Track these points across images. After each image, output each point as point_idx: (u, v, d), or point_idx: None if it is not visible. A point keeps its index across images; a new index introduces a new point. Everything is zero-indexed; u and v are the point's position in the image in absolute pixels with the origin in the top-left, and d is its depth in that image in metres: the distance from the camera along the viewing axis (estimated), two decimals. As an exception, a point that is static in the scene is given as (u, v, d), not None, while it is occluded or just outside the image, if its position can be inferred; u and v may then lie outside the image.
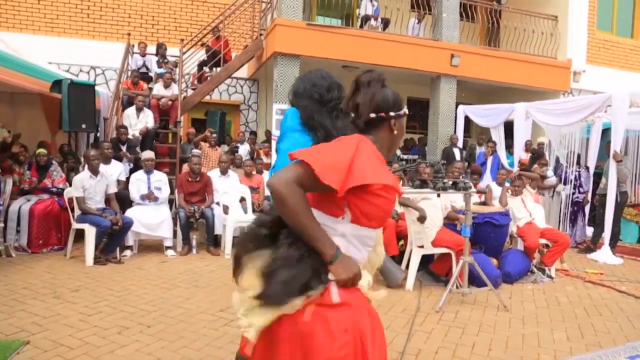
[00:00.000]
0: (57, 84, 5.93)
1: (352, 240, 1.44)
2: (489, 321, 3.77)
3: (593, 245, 6.68)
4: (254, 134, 10.39)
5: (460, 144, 9.63)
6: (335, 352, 1.29)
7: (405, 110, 1.57)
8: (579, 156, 7.69)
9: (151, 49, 9.64)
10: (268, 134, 9.91)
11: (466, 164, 8.74)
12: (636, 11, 11.97)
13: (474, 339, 3.37)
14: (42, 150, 5.75)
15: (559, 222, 7.43)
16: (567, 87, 10.68)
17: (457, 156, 9.03)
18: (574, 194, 7.40)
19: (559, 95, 10.51)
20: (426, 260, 4.87)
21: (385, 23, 10.07)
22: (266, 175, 7.61)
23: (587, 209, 7.48)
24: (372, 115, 1.51)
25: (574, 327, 3.72)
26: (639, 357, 3.17)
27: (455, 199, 5.16)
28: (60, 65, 9.85)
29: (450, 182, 3.86)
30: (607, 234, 6.39)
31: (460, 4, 9.96)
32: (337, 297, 1.35)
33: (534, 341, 3.39)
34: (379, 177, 1.37)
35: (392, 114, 1.53)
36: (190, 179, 6.06)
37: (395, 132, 1.56)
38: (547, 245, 5.39)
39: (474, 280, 4.45)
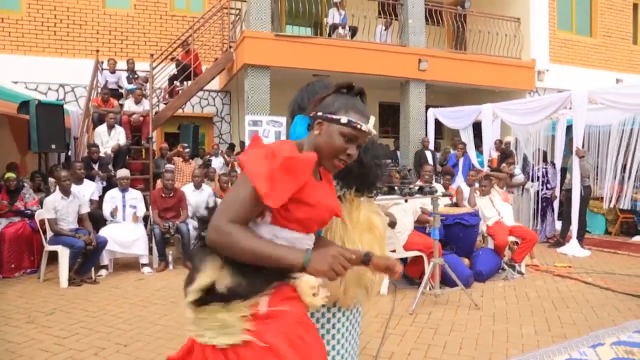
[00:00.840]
0: (24, 104, 5.89)
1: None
2: (461, 320, 3.89)
3: (562, 239, 6.91)
4: (231, 146, 10.40)
5: (431, 146, 9.83)
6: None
7: (344, 118, 1.40)
8: (545, 153, 7.95)
9: (121, 64, 9.60)
10: (242, 145, 9.95)
11: (440, 167, 8.94)
12: (593, 11, 12.42)
13: (446, 339, 3.47)
14: (10, 175, 5.67)
15: (530, 218, 7.65)
16: (532, 86, 11.01)
17: (430, 159, 9.22)
18: (542, 190, 7.64)
19: (525, 94, 10.83)
20: (399, 263, 4.97)
21: (353, 31, 10.24)
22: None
23: (556, 204, 7.73)
24: (312, 113, 1.47)
25: (542, 320, 3.86)
26: (601, 345, 3.32)
27: (426, 202, 5.30)
28: (28, 84, 9.74)
29: (417, 187, 3.97)
30: (574, 228, 6.62)
31: (426, 9, 10.20)
32: (265, 307, 1.31)
33: (503, 337, 3.52)
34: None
35: (319, 113, 1.43)
36: (163, 195, 6.06)
37: (317, 132, 1.42)
38: (516, 243, 5.57)
39: (447, 281, 4.57)
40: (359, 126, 1.40)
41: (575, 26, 12.26)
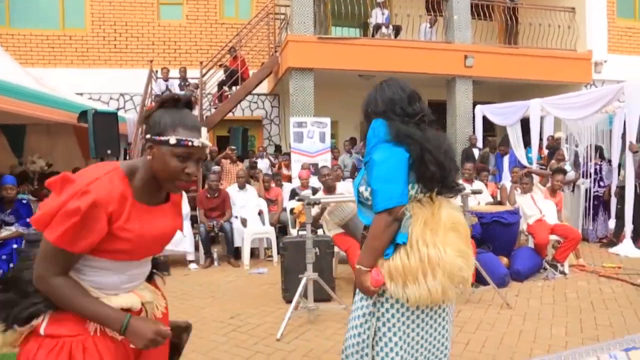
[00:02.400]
0: (83, 114, 6.40)
1: (92, 274, 1.36)
2: (489, 319, 3.84)
3: (615, 238, 6.55)
4: (278, 148, 10.69)
5: (479, 144, 9.60)
6: None
7: (171, 138, 1.30)
8: (600, 149, 7.55)
9: (174, 72, 10.16)
10: (279, 148, 10.24)
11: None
12: (658, -5, 11.61)
13: (470, 336, 3.46)
14: (72, 177, 6.19)
15: (580, 217, 7.30)
16: (589, 78, 10.47)
17: (477, 157, 9.02)
18: (594, 188, 7.27)
19: (581, 87, 10.29)
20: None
21: (397, 30, 10.22)
22: (286, 187, 7.87)
23: (612, 202, 7.32)
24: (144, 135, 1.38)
25: (575, 321, 3.74)
26: (635, 349, 3.18)
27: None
28: (92, 94, 10.52)
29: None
30: (627, 227, 6.27)
31: (472, 4, 9.99)
32: (43, 330, 1.30)
33: (531, 337, 3.45)
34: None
35: (148, 136, 1.34)
36: (209, 195, 6.38)
37: (149, 157, 1.34)
38: (559, 242, 5.37)
39: (483, 279, 4.51)
40: (190, 143, 1.32)
41: (639, 13, 11.49)
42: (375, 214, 1.65)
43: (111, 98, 10.94)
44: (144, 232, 1.37)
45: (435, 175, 1.64)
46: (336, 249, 4.69)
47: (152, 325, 1.33)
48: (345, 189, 5.18)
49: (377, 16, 10.06)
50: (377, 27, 10.04)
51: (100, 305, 1.32)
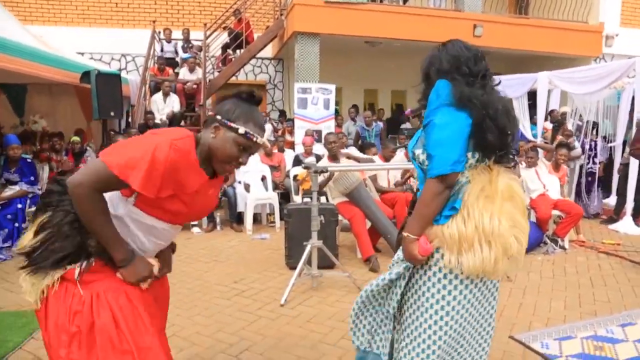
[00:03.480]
0: (86, 74, 6.31)
1: (130, 224, 1.48)
2: (490, 291, 3.90)
3: (616, 215, 6.59)
4: (282, 113, 10.56)
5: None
6: (66, 325, 1.39)
7: (241, 128, 1.45)
8: (595, 125, 7.51)
9: (177, 34, 9.96)
10: (283, 113, 10.15)
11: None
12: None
13: (470, 308, 3.52)
14: (75, 139, 6.18)
15: (572, 193, 7.30)
16: (598, 52, 10.29)
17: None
18: (587, 164, 7.26)
19: (590, 61, 10.14)
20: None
21: (406, -4, 9.96)
22: (288, 153, 7.85)
23: (608, 179, 7.34)
24: (210, 112, 1.52)
25: (574, 296, 3.80)
26: (631, 324, 3.24)
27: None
28: (93, 54, 10.34)
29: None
30: (629, 205, 6.29)
31: (484, -29, 9.71)
32: (79, 274, 1.41)
33: (530, 310, 3.52)
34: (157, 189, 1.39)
35: (218, 117, 1.47)
36: (212, 160, 6.36)
37: (213, 137, 1.47)
38: (561, 217, 5.40)
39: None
40: (254, 139, 1.47)
41: (655, -15, 11.20)
42: (427, 179, 1.58)
43: (112, 58, 10.75)
44: (197, 199, 1.52)
45: (493, 144, 1.58)
46: (339, 217, 4.72)
47: (149, 265, 1.52)
48: (348, 155, 5.16)
49: (387, -19, 9.77)
50: (386, -8, 9.78)
51: (117, 233, 1.44)
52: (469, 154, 1.60)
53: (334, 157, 5.01)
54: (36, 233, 1.45)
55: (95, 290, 1.43)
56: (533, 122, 8.63)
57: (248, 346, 2.79)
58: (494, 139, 1.57)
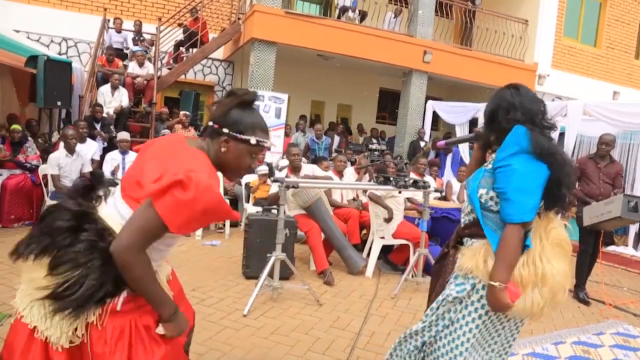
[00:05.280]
0: (32, 59, 5.92)
1: (156, 246, 1.44)
2: (438, 308, 4.14)
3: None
4: None
5: (427, 137, 10.03)
6: (108, 356, 1.33)
7: (252, 139, 1.46)
8: None
9: (127, 24, 9.57)
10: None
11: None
12: (600, 21, 12.57)
13: (423, 324, 3.73)
14: (16, 127, 5.76)
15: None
16: (532, 89, 11.18)
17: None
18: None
19: (523, 96, 11.01)
20: (386, 250, 5.22)
21: (363, 15, 10.30)
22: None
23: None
24: (210, 122, 1.49)
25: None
26: (562, 343, 3.60)
27: (415, 193, 5.53)
28: (30, 34, 9.64)
29: (411, 181, 4.18)
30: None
31: (437, 1, 10.26)
32: (121, 305, 1.38)
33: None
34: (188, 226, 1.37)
35: (225, 130, 1.45)
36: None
37: (224, 150, 1.46)
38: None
39: (429, 270, 4.82)
40: (266, 145, 1.51)
41: (581, 35, 12.42)
42: (507, 224, 1.62)
43: (52, 41, 10.06)
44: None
45: (564, 197, 1.67)
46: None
47: (186, 321, 1.51)
48: (310, 170, 5.26)
49: (346, -2, 10.05)
50: (344, 9, 10.05)
51: (164, 291, 1.45)
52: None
53: (295, 170, 5.08)
54: (54, 270, 1.31)
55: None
56: (472, 148, 9.22)
57: (218, 357, 2.78)
58: (565, 194, 1.67)
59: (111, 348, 1.34)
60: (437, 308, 1.83)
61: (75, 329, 1.33)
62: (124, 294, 1.38)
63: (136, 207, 1.36)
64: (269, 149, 1.55)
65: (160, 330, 1.43)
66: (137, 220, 1.32)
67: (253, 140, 1.46)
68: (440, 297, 1.83)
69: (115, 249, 1.29)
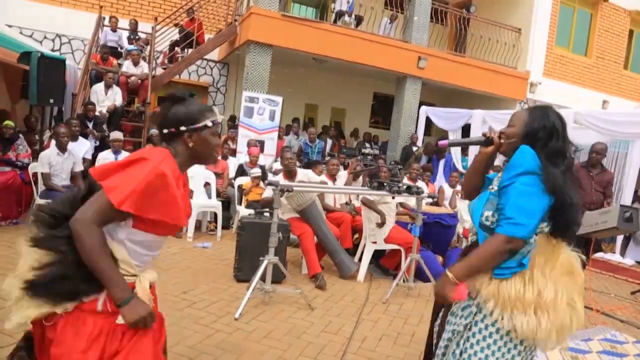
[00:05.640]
0: (25, 55, 5.87)
1: (132, 247, 1.55)
2: (430, 313, 4.15)
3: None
4: (232, 118, 10.35)
5: (419, 143, 10.09)
6: (79, 354, 1.41)
7: (207, 122, 1.60)
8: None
9: (122, 23, 9.51)
10: (233, 119, 10.03)
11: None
12: (591, 31, 12.74)
13: (415, 329, 3.74)
14: (9, 123, 5.69)
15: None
16: (523, 96, 11.32)
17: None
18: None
19: (515, 103, 11.14)
20: (377, 254, 5.23)
21: (359, 20, 10.34)
22: (231, 160, 7.76)
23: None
24: (165, 130, 1.61)
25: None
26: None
27: (408, 199, 5.55)
28: (23, 29, 9.55)
29: (405, 187, 4.20)
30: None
31: (432, 8, 10.34)
32: (102, 306, 1.47)
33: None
34: (160, 213, 1.49)
35: (183, 128, 1.58)
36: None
37: (192, 144, 1.60)
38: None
39: (420, 275, 4.85)
40: (219, 120, 1.66)
41: (573, 44, 12.58)
42: (497, 233, 1.59)
43: (45, 37, 9.98)
44: (184, 209, 1.60)
45: (568, 226, 1.66)
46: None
47: (147, 306, 1.52)
48: (304, 175, 5.26)
49: (342, 3, 10.09)
50: (340, 13, 10.08)
51: (117, 272, 1.48)
52: (544, 224, 1.66)
53: (289, 174, 5.08)
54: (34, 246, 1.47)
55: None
56: (465, 154, 9.30)
57: (210, 361, 2.77)
58: (568, 224, 1.65)
59: (87, 345, 1.42)
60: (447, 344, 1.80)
61: (47, 317, 1.45)
62: (103, 296, 1.47)
63: None
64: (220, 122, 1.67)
65: (119, 320, 1.47)
66: (93, 198, 1.48)
67: (209, 123, 1.61)
68: (448, 329, 1.79)
69: (71, 221, 1.43)
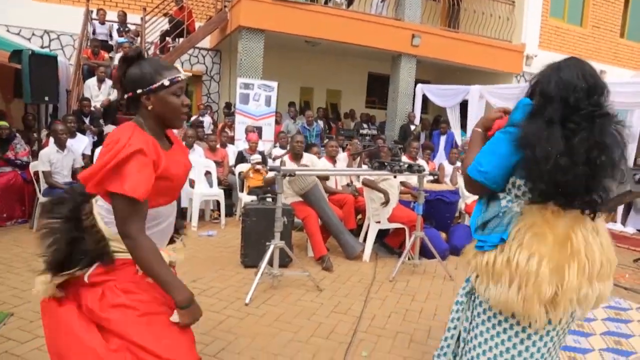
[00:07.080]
0: (16, 54, 5.81)
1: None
2: (436, 289, 4.21)
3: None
4: (228, 105, 10.27)
5: (417, 121, 10.06)
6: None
7: (165, 81, 1.47)
8: None
9: (111, 15, 9.40)
10: (229, 106, 9.98)
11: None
12: (586, 1, 12.60)
13: (422, 305, 3.79)
14: (3, 123, 5.66)
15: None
16: (519, 69, 11.26)
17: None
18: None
19: (511, 77, 11.09)
20: (382, 234, 5.26)
21: (350, 0, 10.21)
22: (230, 148, 7.75)
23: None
24: (125, 96, 1.51)
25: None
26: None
27: (409, 177, 5.56)
28: (10, 27, 9.42)
29: (406, 165, 4.20)
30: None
31: (424, -16, 10.22)
32: (89, 277, 1.51)
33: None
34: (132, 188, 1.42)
35: (139, 91, 1.48)
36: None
37: (151, 107, 1.49)
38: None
39: (424, 252, 4.88)
40: (179, 78, 1.52)
41: (567, 14, 12.46)
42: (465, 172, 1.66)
43: (34, 34, 9.86)
44: (176, 172, 1.57)
45: (556, 187, 1.43)
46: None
47: (200, 311, 1.57)
48: (309, 159, 5.26)
49: (332, -16, 9.96)
50: (331, -6, 9.96)
51: (174, 277, 1.51)
52: (520, 181, 1.55)
53: (296, 157, 5.08)
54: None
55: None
56: (464, 129, 9.28)
57: (224, 346, 2.81)
58: (545, 186, 1.44)
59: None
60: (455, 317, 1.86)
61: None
62: (93, 267, 1.51)
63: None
64: (185, 78, 1.56)
65: (174, 317, 1.48)
66: (116, 213, 1.46)
67: (166, 82, 1.48)
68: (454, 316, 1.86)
69: (124, 241, 1.47)
